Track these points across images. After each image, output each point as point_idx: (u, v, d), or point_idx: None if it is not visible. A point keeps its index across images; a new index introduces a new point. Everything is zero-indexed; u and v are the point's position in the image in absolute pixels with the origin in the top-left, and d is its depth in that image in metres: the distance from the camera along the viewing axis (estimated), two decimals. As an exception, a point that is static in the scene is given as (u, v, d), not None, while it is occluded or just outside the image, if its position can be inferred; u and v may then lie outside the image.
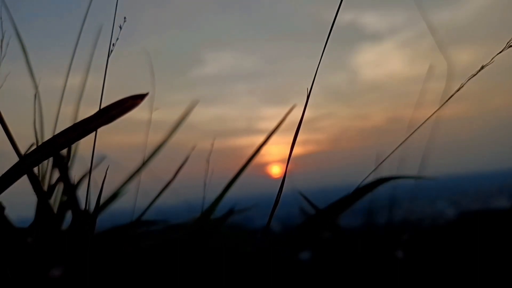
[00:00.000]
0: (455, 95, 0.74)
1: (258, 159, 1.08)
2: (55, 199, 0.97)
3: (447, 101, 0.74)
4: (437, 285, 0.88)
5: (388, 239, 1.02)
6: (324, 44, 0.62)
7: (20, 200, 0.87)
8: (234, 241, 0.97)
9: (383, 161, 0.80)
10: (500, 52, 0.67)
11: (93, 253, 0.78)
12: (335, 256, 0.98)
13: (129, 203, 1.03)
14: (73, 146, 0.99)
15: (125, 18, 0.66)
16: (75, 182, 0.96)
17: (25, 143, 0.97)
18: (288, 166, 0.76)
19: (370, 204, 0.99)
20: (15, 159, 0.76)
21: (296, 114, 0.69)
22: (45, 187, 0.97)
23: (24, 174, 0.67)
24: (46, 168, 1.00)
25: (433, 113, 0.76)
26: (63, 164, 0.93)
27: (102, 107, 0.60)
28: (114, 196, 1.03)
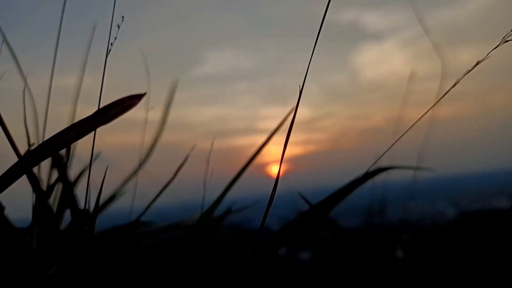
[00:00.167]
0: (455, 95, 0.74)
1: (258, 159, 1.08)
2: (54, 199, 0.97)
3: (440, 99, 0.74)
4: (437, 284, 0.87)
5: (388, 239, 1.02)
6: (315, 41, 0.61)
7: (20, 200, 0.87)
8: (233, 241, 0.97)
9: (377, 160, 0.80)
10: (496, 48, 0.67)
11: (93, 253, 0.78)
12: (335, 256, 0.98)
13: (129, 204, 1.02)
14: (72, 146, 0.99)
15: (123, 17, 0.66)
16: (74, 182, 0.96)
17: (25, 143, 0.97)
18: (288, 166, 0.76)
19: (369, 204, 0.99)
20: (15, 159, 0.76)
21: (297, 114, 0.69)
22: (44, 187, 0.96)
23: (24, 174, 0.67)
24: (45, 168, 1.00)
25: (426, 111, 0.75)
26: (62, 164, 0.93)
27: (100, 106, 0.60)
28: (113, 196, 1.03)
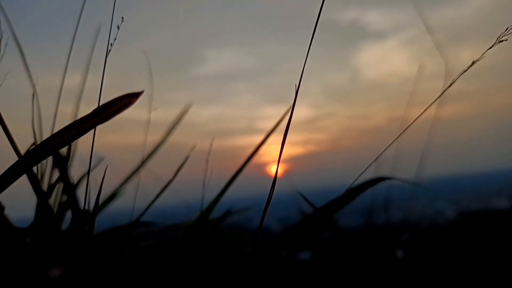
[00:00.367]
0: (455, 95, 0.74)
1: (257, 159, 1.08)
2: (55, 199, 0.97)
3: (436, 99, 0.74)
4: (437, 285, 0.87)
5: (388, 239, 1.02)
6: (310, 39, 0.61)
7: (20, 200, 0.87)
8: (232, 241, 0.97)
9: (374, 160, 0.80)
10: (490, 48, 0.66)
11: (92, 253, 0.78)
12: (335, 256, 0.98)
13: (129, 204, 1.03)
14: (73, 145, 0.99)
15: (122, 18, 0.66)
16: (75, 182, 0.96)
17: (25, 142, 0.97)
18: (289, 166, 0.76)
19: (370, 204, 0.99)
20: (15, 158, 0.76)
21: (297, 114, 0.69)
22: (45, 187, 0.96)
23: (24, 173, 0.67)
24: (46, 168, 1.00)
25: (424, 110, 0.75)
26: (62, 164, 0.93)
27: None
28: (113, 196, 1.03)
